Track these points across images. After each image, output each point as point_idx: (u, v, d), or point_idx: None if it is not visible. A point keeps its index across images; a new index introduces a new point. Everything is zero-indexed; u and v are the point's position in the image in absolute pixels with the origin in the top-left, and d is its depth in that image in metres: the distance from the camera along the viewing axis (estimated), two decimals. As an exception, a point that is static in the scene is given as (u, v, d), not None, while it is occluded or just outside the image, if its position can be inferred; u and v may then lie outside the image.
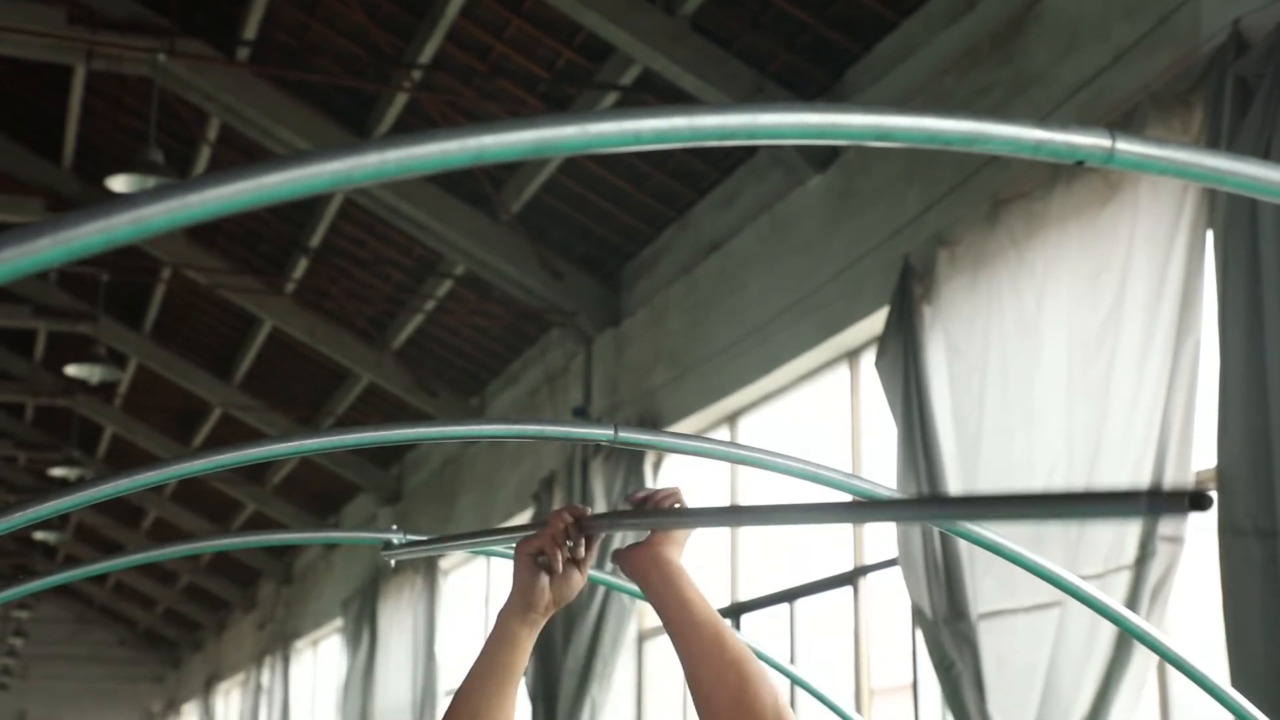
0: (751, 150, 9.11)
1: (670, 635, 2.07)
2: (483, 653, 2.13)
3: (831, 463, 2.23)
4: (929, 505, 1.43)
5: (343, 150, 1.01)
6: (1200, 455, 5.52)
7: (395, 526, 2.60)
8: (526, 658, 2.13)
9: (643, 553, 2.09)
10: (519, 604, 2.11)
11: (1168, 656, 2.48)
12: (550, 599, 2.11)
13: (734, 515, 1.93)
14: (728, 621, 2.08)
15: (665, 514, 2.04)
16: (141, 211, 0.92)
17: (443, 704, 13.68)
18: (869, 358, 7.69)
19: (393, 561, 2.57)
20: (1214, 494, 1.04)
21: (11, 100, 12.56)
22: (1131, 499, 1.14)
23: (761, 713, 1.97)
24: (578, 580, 2.13)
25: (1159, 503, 1.11)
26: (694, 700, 2.04)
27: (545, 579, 2.10)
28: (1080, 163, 1.27)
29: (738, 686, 1.98)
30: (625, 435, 2.08)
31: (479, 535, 2.36)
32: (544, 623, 2.15)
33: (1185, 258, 5.55)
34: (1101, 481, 5.84)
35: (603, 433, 2.06)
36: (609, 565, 2.19)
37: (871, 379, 7.56)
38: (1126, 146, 1.27)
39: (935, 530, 6.53)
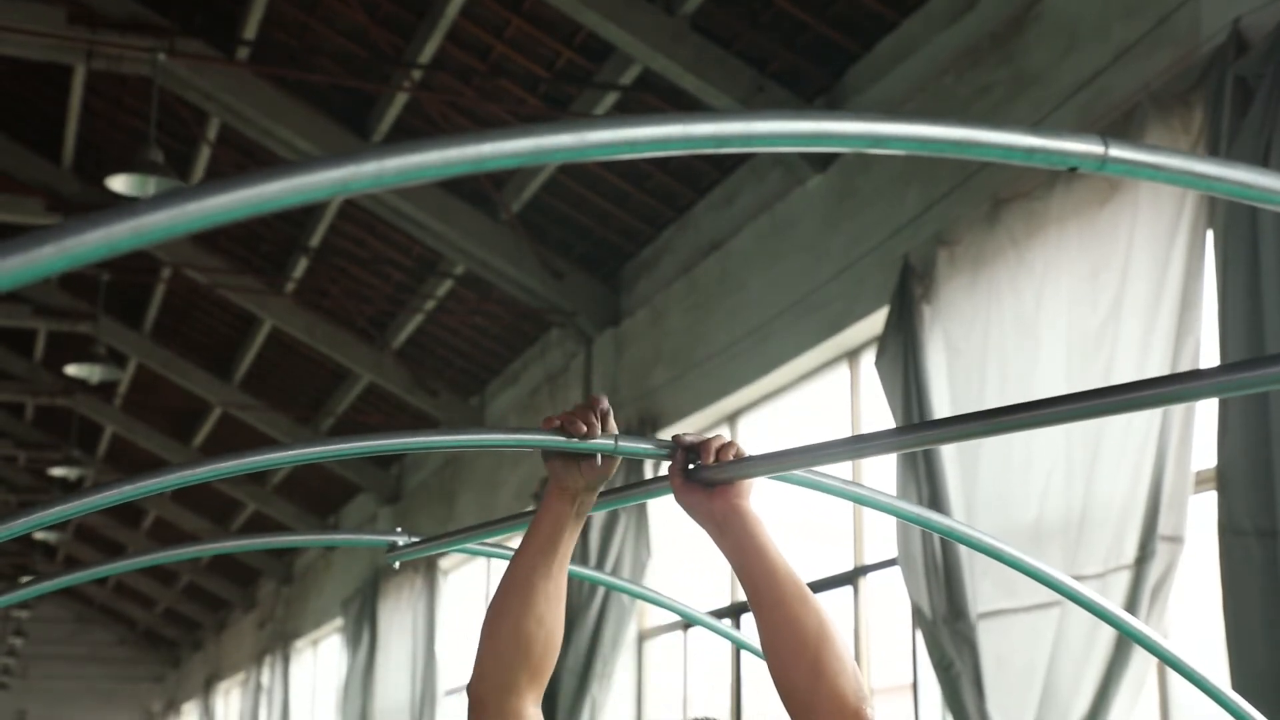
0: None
1: (748, 583, 2.06)
2: (530, 526, 2.15)
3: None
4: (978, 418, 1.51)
5: (342, 159, 1.02)
6: (1200, 455, 5.52)
7: (400, 529, 2.62)
8: (574, 536, 2.15)
9: (723, 501, 2.10)
10: (555, 489, 2.14)
11: (1165, 658, 2.48)
12: (584, 481, 2.13)
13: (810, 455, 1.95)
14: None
15: (777, 459, 2.05)
16: (142, 220, 0.92)
17: (443, 704, 13.68)
18: (869, 357, 7.69)
19: (397, 564, 2.59)
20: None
21: (11, 100, 12.56)
22: None
23: (841, 666, 1.96)
24: (607, 460, 2.13)
25: None
26: (771, 656, 2.02)
27: (573, 462, 2.12)
28: (1073, 169, 1.28)
29: (819, 636, 1.98)
30: (625, 445, 2.10)
31: (485, 525, 2.36)
32: (591, 498, 2.16)
33: (1185, 258, 5.55)
34: (1101, 481, 5.84)
35: (603, 443, 2.07)
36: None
37: (871, 379, 7.56)
38: (1119, 153, 1.27)
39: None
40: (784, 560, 2.07)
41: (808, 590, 2.05)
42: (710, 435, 2.15)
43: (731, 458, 2.11)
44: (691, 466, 2.13)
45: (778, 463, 2.05)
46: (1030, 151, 1.26)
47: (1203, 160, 1.30)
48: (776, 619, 2.01)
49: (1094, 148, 1.27)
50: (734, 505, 2.10)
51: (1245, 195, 1.31)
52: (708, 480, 2.10)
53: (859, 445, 1.81)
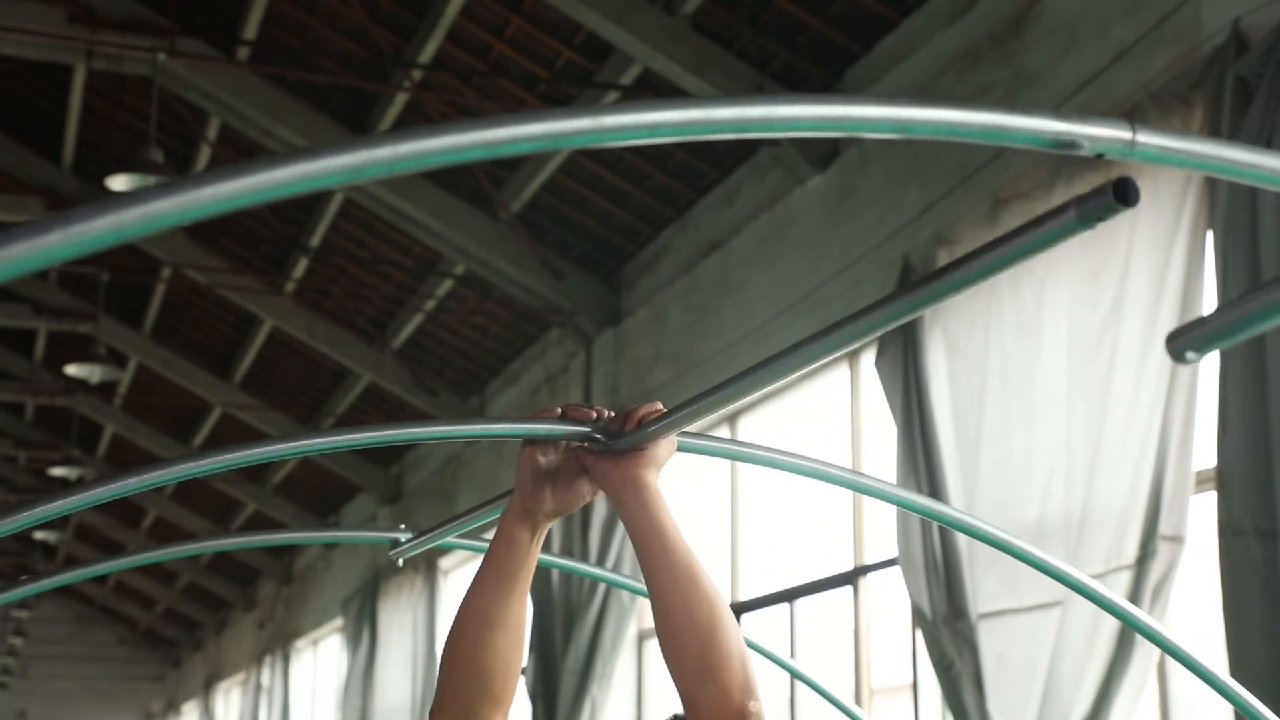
0: (751, 149, 9.11)
1: (642, 563, 1.97)
2: (486, 556, 2.08)
3: (832, 461, 2.22)
4: (899, 298, 1.46)
5: (354, 144, 1.00)
6: (1200, 455, 5.52)
7: (403, 525, 2.61)
8: (532, 559, 2.07)
9: (623, 470, 1.99)
10: (517, 507, 2.05)
11: (1171, 650, 2.48)
12: (550, 506, 2.04)
13: (742, 384, 1.84)
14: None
15: (686, 408, 1.91)
16: (152, 206, 0.92)
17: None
18: (869, 358, 7.69)
19: (400, 560, 2.58)
20: (1139, 185, 1.07)
21: (11, 100, 12.56)
22: (1062, 212, 1.18)
23: (728, 661, 1.90)
24: (582, 491, 2.04)
25: (1087, 206, 1.15)
26: (661, 641, 1.96)
27: (546, 485, 2.04)
28: (1100, 155, 1.25)
29: (708, 627, 1.90)
30: (627, 439, 2.07)
31: (490, 503, 2.31)
32: (547, 526, 2.07)
33: (1185, 258, 5.55)
34: (1102, 481, 5.84)
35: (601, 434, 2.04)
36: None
37: (871, 379, 7.56)
38: (1147, 139, 1.24)
39: (935, 529, 6.54)
40: (681, 541, 1.96)
41: (703, 575, 1.95)
42: (643, 405, 2.04)
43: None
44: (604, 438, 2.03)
45: (688, 413, 1.92)
46: (1056, 137, 1.23)
47: (1230, 146, 1.27)
48: (668, 604, 1.93)
49: (1121, 133, 1.23)
50: (633, 475, 1.99)
51: (1269, 181, 1.28)
52: (618, 448, 2.00)
53: (764, 371, 1.74)
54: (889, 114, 1.22)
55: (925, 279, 1.40)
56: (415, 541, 2.54)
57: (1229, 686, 2.42)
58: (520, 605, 2.07)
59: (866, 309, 1.50)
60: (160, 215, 0.92)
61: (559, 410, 2.04)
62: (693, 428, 2.02)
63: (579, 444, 2.05)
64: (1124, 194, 1.13)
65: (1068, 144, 1.23)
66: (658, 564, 1.95)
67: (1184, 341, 1.13)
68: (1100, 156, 1.23)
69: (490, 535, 2.13)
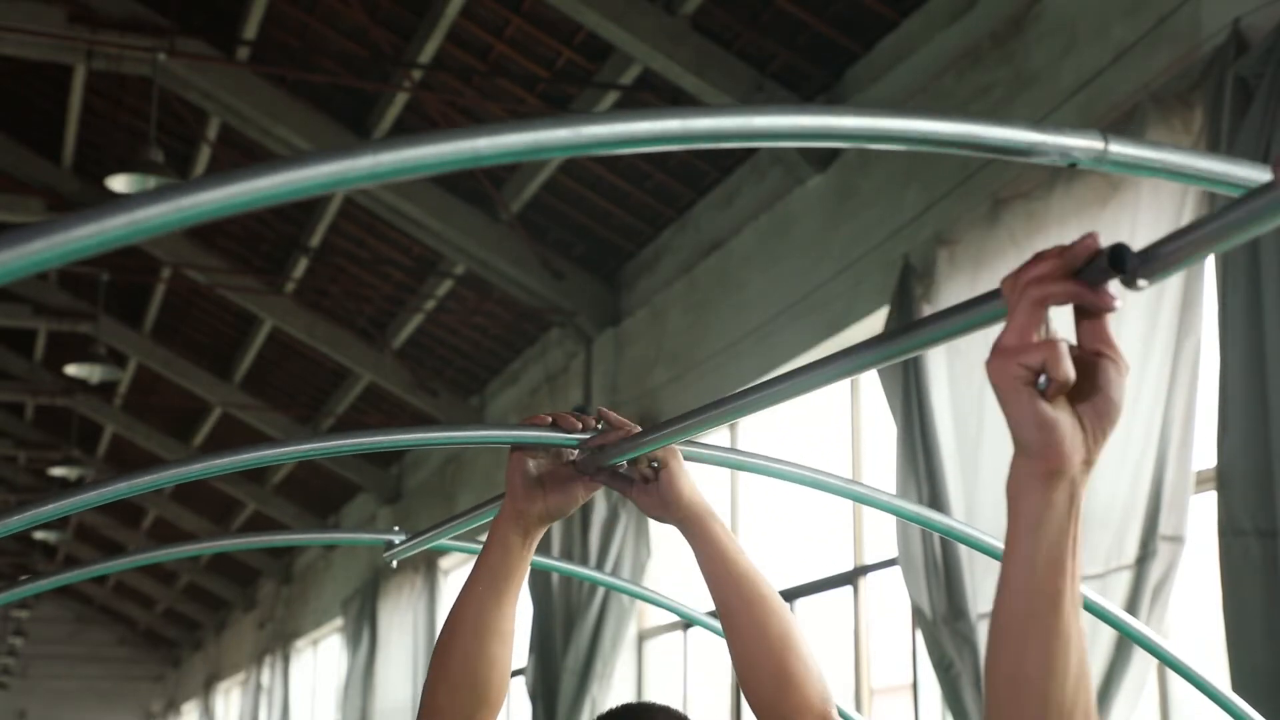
0: (751, 149, 9.11)
1: (713, 589, 2.01)
2: (479, 560, 2.08)
3: (831, 463, 2.22)
4: (882, 342, 1.51)
5: (336, 153, 1.01)
6: (1200, 455, 5.51)
7: (397, 528, 2.61)
8: (524, 564, 2.07)
9: (678, 494, 2.04)
10: (508, 511, 2.05)
11: (1166, 659, 2.48)
12: (543, 509, 2.04)
13: (738, 404, 1.85)
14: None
15: (681, 422, 1.90)
16: (136, 214, 0.91)
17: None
18: (869, 358, 7.68)
19: (394, 562, 2.57)
20: (1136, 253, 1.08)
21: (11, 100, 12.56)
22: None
23: (806, 671, 1.94)
24: (576, 495, 2.06)
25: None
26: (737, 658, 1.99)
27: (538, 489, 2.04)
28: (1073, 165, 1.26)
29: (782, 640, 1.95)
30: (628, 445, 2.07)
31: (477, 508, 2.30)
32: (541, 529, 2.07)
33: (1185, 258, 5.54)
34: (1102, 481, 5.83)
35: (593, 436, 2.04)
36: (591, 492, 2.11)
37: (872, 378, 7.56)
38: (1119, 149, 1.25)
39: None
40: (748, 562, 2.01)
41: (773, 593, 2.00)
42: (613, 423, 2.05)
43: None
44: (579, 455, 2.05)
45: (674, 431, 1.93)
46: (1030, 146, 1.25)
47: (1203, 156, 1.29)
48: (742, 625, 1.98)
49: (1093, 143, 1.25)
50: (692, 500, 2.05)
51: (1244, 192, 1.29)
52: (609, 460, 2.02)
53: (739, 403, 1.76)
54: (866, 124, 1.23)
55: (908, 327, 1.43)
56: (409, 544, 2.54)
57: (1227, 697, 2.41)
58: (513, 609, 2.06)
59: (861, 345, 1.54)
60: (145, 223, 0.91)
61: (549, 418, 2.04)
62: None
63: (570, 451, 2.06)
64: (1117, 260, 1.17)
65: (1041, 154, 1.24)
66: (731, 588, 2.00)
67: (1135, 268, 1.16)
68: (1074, 166, 1.24)
69: (485, 537, 2.13)
